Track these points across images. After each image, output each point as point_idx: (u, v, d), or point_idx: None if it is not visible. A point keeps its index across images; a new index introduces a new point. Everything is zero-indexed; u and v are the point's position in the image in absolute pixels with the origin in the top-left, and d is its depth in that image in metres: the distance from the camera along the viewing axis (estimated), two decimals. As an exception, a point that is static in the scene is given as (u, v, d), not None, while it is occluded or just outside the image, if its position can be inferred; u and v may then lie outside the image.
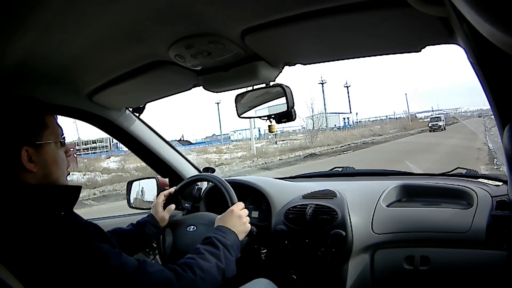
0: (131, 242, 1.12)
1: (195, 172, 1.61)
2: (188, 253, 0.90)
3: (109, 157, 19.68)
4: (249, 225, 1.04)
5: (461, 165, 1.44)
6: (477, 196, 1.17)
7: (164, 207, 1.20)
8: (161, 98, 1.36)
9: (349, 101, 46.74)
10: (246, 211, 1.05)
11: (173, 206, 1.21)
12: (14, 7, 0.65)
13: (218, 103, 36.81)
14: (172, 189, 1.26)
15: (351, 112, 46.70)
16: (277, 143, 23.18)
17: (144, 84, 1.17)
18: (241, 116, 1.18)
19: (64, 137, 0.85)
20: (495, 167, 7.11)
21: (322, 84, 42.47)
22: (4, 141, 0.75)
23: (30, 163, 0.76)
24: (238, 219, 1.01)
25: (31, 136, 0.77)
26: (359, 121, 46.98)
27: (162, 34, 0.85)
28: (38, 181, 0.77)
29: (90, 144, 30.19)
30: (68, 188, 0.82)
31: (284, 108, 1.09)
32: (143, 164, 1.70)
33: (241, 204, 1.06)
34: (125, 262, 0.74)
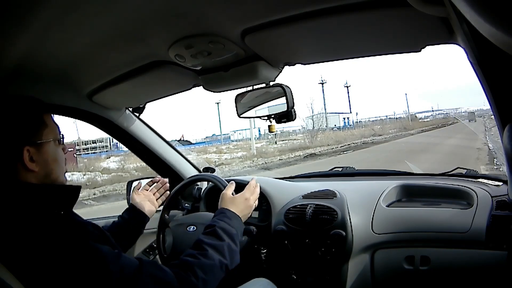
0: (118, 232, 1.10)
1: (195, 172, 1.61)
2: None
3: (109, 157, 19.65)
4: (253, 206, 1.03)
5: (461, 165, 1.44)
6: (477, 196, 1.16)
7: (165, 210, 1.22)
8: (161, 98, 1.36)
9: (349, 101, 46.77)
10: (256, 195, 1.04)
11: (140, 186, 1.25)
12: (14, 7, 0.65)
13: (218, 103, 36.83)
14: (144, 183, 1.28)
15: (351, 112, 46.71)
16: (277, 143, 23.17)
17: (144, 84, 1.17)
18: (241, 116, 1.18)
19: (62, 134, 0.85)
20: (495, 167, 7.10)
21: (322, 84, 42.47)
22: (5, 141, 0.75)
23: (31, 162, 0.76)
24: (248, 208, 1.00)
25: (31, 135, 0.77)
26: (359, 121, 46.99)
27: (162, 34, 0.85)
28: (39, 180, 0.77)
29: (90, 144, 30.16)
30: (68, 188, 0.82)
31: (284, 108, 1.09)
32: (143, 164, 1.71)
33: (251, 187, 1.04)
34: (125, 264, 0.73)
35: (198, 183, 1.53)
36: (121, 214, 1.19)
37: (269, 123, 1.16)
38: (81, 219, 0.79)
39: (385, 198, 1.28)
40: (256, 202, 1.05)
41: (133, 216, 1.17)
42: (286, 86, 1.08)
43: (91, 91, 1.20)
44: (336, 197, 1.29)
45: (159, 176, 1.57)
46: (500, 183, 1.24)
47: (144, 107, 1.42)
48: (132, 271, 0.73)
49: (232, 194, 1.03)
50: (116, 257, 0.73)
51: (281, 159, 14.90)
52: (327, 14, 0.74)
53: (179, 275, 0.76)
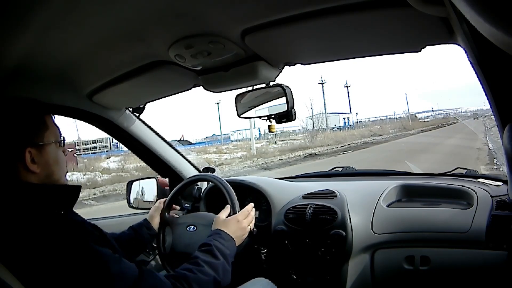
0: (126, 245, 1.11)
1: (195, 172, 1.61)
2: (187, 253, 0.90)
3: (109, 157, 19.65)
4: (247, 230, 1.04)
5: (461, 165, 1.44)
6: (477, 196, 1.16)
7: (165, 209, 1.23)
8: (161, 98, 1.36)
9: (349, 101, 46.78)
10: (251, 218, 1.06)
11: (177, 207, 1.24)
12: (14, 7, 0.65)
13: (218, 103, 36.84)
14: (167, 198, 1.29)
15: (351, 112, 46.72)
16: (277, 143, 23.18)
17: (144, 84, 1.17)
18: (241, 116, 1.18)
19: (63, 136, 0.85)
20: (495, 167, 7.10)
21: (322, 84, 42.48)
22: (8, 143, 0.75)
23: (33, 164, 0.76)
24: (241, 229, 1.02)
25: (33, 137, 0.77)
26: (359, 121, 47.01)
27: (162, 34, 0.85)
28: (41, 181, 0.77)
29: (90, 144, 30.17)
30: (68, 188, 0.82)
31: (284, 108, 1.09)
32: (143, 164, 1.71)
33: (246, 211, 1.06)
34: (125, 270, 0.73)
35: (198, 183, 1.53)
36: (133, 226, 1.19)
37: (269, 123, 1.16)
38: (81, 219, 0.79)
39: (385, 198, 1.28)
40: (252, 225, 1.06)
41: (148, 236, 1.18)
42: (286, 86, 1.08)
43: (91, 91, 1.20)
44: (336, 197, 1.29)
45: (159, 176, 1.58)
46: (500, 183, 1.24)
47: (144, 107, 1.42)
48: (132, 278, 0.73)
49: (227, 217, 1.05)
50: (117, 261, 0.73)
51: (281, 159, 14.90)
52: (327, 14, 0.74)
53: (176, 286, 0.78)
